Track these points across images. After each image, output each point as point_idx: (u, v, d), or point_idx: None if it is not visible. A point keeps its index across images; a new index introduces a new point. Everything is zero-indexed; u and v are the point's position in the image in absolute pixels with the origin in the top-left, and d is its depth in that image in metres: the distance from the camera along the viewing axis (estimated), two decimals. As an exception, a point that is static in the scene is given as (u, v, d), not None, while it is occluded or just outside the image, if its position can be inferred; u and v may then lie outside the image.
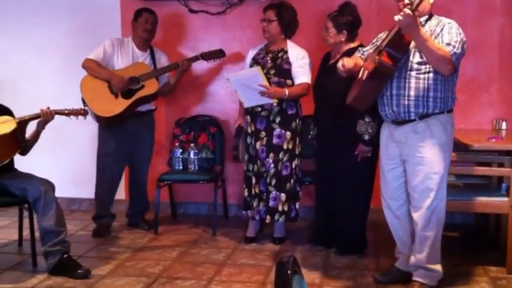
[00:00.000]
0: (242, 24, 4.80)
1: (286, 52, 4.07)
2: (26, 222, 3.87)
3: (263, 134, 4.06)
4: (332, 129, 3.82)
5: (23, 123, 3.63)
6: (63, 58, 4.94)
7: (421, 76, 3.05)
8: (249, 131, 4.15)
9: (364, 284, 3.40)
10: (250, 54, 4.23)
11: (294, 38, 4.17)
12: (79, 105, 4.01)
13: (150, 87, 4.26)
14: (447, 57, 2.94)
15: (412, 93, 3.06)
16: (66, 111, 3.75)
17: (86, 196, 4.65)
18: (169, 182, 4.65)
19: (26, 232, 3.90)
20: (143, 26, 4.35)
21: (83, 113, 3.78)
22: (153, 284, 3.43)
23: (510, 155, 3.84)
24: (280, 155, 4.04)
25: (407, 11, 2.80)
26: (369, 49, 3.36)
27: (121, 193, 4.72)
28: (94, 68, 4.22)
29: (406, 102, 3.07)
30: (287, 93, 3.95)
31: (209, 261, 3.82)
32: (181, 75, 4.47)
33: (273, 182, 4.05)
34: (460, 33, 3.01)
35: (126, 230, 4.55)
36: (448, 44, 2.96)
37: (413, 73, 3.06)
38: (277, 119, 4.04)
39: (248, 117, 4.16)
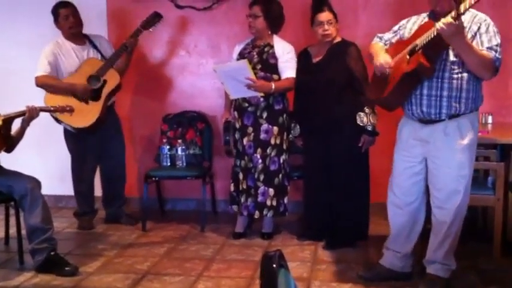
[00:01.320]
0: (229, 20, 4.79)
1: (272, 47, 4.06)
2: (12, 219, 3.84)
3: (250, 129, 4.05)
4: (328, 124, 3.82)
5: (8, 121, 3.60)
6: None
7: (455, 76, 2.93)
8: (237, 126, 4.14)
9: (352, 277, 3.40)
10: (237, 50, 4.22)
11: (281, 32, 4.16)
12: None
13: (113, 79, 4.18)
14: (491, 64, 2.84)
15: (445, 93, 2.94)
16: (51, 108, 3.74)
17: (73, 193, 4.62)
18: (157, 179, 4.63)
19: (13, 230, 3.87)
20: (67, 23, 4.25)
21: (69, 109, 3.74)
22: (142, 281, 3.42)
23: (496, 148, 3.88)
24: (268, 150, 4.04)
25: (449, 20, 2.68)
26: (391, 38, 3.23)
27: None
28: (51, 85, 4.13)
29: (438, 103, 2.96)
30: (273, 87, 3.94)
31: (198, 257, 3.82)
32: (132, 54, 4.35)
33: (261, 177, 4.05)
34: (497, 32, 2.89)
35: (114, 226, 4.53)
36: (490, 49, 2.84)
37: (446, 73, 2.94)
38: (264, 114, 4.03)
39: (235, 112, 4.15)
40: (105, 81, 4.15)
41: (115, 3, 4.85)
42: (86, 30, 4.44)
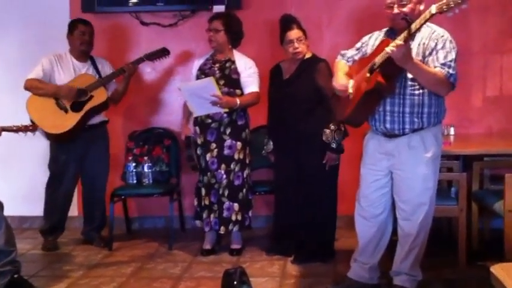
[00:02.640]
0: (195, 36, 4.79)
1: (233, 62, 4.08)
2: (-26, 242, 3.74)
3: (213, 145, 4.05)
4: (297, 139, 3.84)
5: (-31, 141, 3.53)
6: (13, 74, 4.81)
7: (416, 92, 2.97)
8: (199, 142, 4.13)
9: (321, 291, 3.42)
10: (196, 65, 4.22)
11: (245, 47, 4.19)
12: (28, 121, 3.89)
13: (99, 96, 4.18)
14: (444, 80, 2.89)
15: (407, 109, 2.99)
16: (14, 128, 3.66)
17: (37, 214, 4.53)
18: (123, 197, 4.58)
19: (-25, 253, 3.77)
20: (80, 38, 4.27)
21: (32, 129, 3.68)
22: (108, 301, 3.37)
23: (459, 159, 3.96)
24: (232, 166, 4.05)
25: (398, 42, 2.74)
26: (353, 55, 3.28)
27: (74, 209, 4.62)
28: (38, 86, 4.12)
29: (401, 119, 3.01)
30: (239, 102, 3.96)
31: (166, 276, 3.78)
32: (129, 80, 4.39)
33: (226, 192, 4.04)
34: (454, 47, 2.93)
35: (80, 247, 4.45)
36: (444, 65, 2.89)
37: (408, 90, 2.98)
38: (228, 130, 4.04)
39: (197, 128, 4.13)
40: (91, 97, 4.15)
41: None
42: (49, 48, 4.40)
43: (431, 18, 2.67)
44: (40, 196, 4.47)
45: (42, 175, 4.45)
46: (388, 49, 2.78)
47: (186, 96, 4.04)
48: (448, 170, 3.95)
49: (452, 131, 4.39)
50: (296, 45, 3.83)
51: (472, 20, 4.61)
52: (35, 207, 4.51)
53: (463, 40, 4.54)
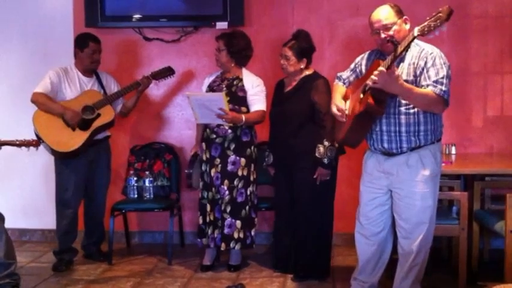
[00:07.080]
0: (197, 52, 4.83)
1: (241, 80, 4.09)
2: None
3: (218, 161, 4.06)
4: (290, 154, 3.85)
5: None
6: (14, 88, 4.84)
7: (411, 111, 3.00)
8: (204, 158, 4.14)
9: (320, 309, 3.41)
10: (206, 82, 4.25)
11: (249, 66, 4.20)
12: (30, 135, 3.86)
13: (107, 115, 4.17)
14: (436, 99, 2.89)
15: (403, 128, 3.02)
16: (17, 142, 3.66)
17: (37, 227, 4.51)
18: (123, 211, 4.58)
19: (-26, 265, 3.75)
20: (91, 57, 4.24)
21: (35, 144, 3.68)
22: (107, 316, 3.35)
23: (460, 178, 3.96)
24: (235, 182, 4.04)
25: (382, 69, 2.77)
26: (349, 76, 3.33)
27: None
28: (45, 103, 4.06)
29: (398, 138, 3.04)
30: (244, 119, 3.97)
31: (165, 291, 3.77)
32: (142, 94, 4.41)
33: (228, 209, 4.03)
34: (444, 63, 2.94)
35: (80, 261, 4.42)
36: (436, 82, 2.88)
37: (402, 109, 3.01)
38: (232, 146, 4.05)
39: (203, 144, 4.15)
40: (98, 115, 4.14)
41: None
42: (51, 62, 4.42)
43: (413, 40, 2.79)
44: (40, 209, 4.47)
45: (42, 188, 4.45)
46: (372, 78, 2.83)
47: (193, 105, 4.03)
48: (449, 189, 3.95)
49: (453, 150, 4.40)
50: (282, 61, 3.89)
51: (471, 40, 4.65)
52: (35, 221, 4.50)
53: (463, 60, 4.60)
